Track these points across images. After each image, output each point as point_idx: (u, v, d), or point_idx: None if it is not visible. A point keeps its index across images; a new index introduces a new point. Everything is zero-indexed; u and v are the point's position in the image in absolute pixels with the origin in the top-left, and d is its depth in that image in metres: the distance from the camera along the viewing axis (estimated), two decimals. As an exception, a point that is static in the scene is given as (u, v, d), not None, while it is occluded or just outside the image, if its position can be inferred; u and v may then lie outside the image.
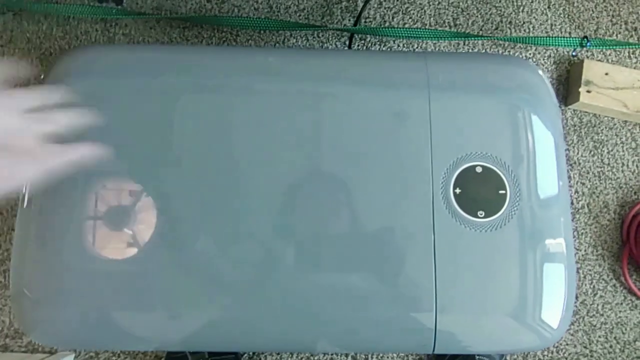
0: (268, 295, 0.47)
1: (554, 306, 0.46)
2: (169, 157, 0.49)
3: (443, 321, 0.45)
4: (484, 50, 0.84)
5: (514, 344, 0.47)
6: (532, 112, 0.50)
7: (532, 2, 0.85)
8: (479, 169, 0.48)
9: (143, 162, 0.49)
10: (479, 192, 0.47)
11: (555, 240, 0.48)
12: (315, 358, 0.76)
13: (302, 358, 0.76)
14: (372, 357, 0.75)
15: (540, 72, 0.53)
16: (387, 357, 0.75)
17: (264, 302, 0.47)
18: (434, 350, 0.46)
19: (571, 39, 0.78)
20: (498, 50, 0.84)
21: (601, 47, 0.81)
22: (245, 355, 0.75)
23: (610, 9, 0.85)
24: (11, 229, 0.76)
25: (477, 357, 0.72)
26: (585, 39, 0.77)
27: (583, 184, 0.81)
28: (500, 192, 0.48)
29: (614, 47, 0.82)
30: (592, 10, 0.85)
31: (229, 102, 0.50)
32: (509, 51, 0.84)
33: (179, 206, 0.48)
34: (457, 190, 0.47)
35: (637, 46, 0.83)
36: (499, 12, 0.85)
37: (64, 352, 0.74)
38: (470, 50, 0.83)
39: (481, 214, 0.47)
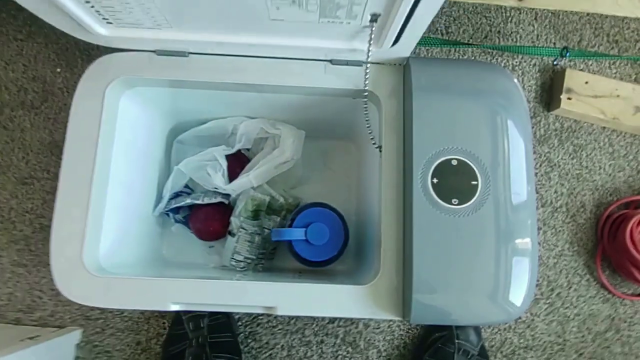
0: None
1: (519, 286, 0.51)
2: None
3: (419, 297, 0.50)
4: (473, 57, 0.89)
5: (483, 317, 0.52)
6: (505, 113, 0.55)
7: (519, 13, 0.91)
8: (454, 162, 0.53)
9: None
10: (454, 182, 0.53)
11: (522, 229, 0.53)
12: (307, 342, 0.80)
13: (293, 337, 0.80)
14: (360, 339, 0.80)
15: (516, 80, 0.58)
16: (376, 342, 0.80)
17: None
18: (410, 321, 0.51)
19: (553, 49, 0.84)
20: (487, 58, 0.90)
21: (580, 57, 0.87)
22: (241, 335, 0.79)
23: (593, 22, 0.91)
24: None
25: (457, 342, 0.77)
26: (565, 49, 0.83)
27: (562, 184, 0.86)
28: (473, 182, 0.53)
29: (592, 57, 0.88)
30: (576, 23, 0.91)
31: None
32: (497, 59, 0.90)
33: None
34: (435, 180, 0.53)
35: (612, 57, 0.89)
36: (489, 22, 0.90)
37: (72, 326, 0.79)
38: (460, 57, 0.89)
39: (455, 202, 0.52)
